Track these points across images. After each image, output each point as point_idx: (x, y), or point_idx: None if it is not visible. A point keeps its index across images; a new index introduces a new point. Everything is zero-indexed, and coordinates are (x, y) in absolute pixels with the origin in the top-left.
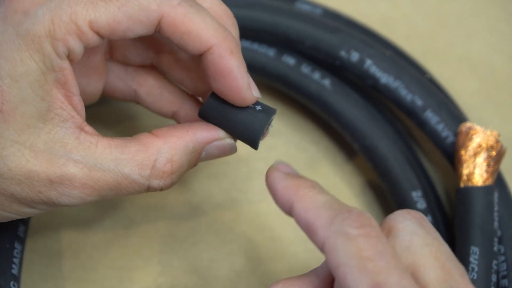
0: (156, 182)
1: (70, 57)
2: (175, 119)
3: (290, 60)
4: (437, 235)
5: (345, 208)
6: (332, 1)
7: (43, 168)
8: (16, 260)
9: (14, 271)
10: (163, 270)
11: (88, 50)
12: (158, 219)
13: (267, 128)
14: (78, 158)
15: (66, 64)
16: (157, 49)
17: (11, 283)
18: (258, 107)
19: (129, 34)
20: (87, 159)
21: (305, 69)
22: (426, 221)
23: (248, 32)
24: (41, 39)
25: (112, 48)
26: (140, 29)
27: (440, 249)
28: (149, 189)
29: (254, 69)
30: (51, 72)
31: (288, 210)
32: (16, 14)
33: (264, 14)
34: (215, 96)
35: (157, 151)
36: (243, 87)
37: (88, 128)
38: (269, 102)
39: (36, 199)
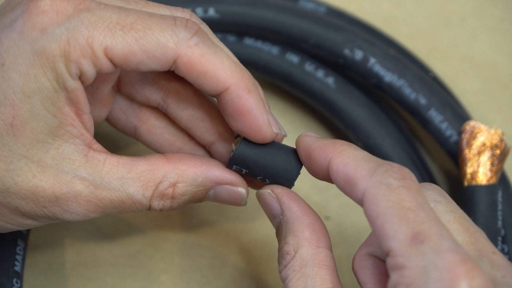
0: (156, 203)
1: (81, 78)
2: None
3: (293, 58)
4: (457, 205)
5: (385, 162)
6: None
7: (50, 184)
8: (18, 257)
9: (17, 268)
10: (165, 268)
11: (98, 78)
12: (161, 217)
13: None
14: (85, 175)
15: (78, 85)
16: (165, 92)
17: (14, 280)
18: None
19: (142, 67)
20: (94, 177)
21: (309, 67)
22: (446, 193)
23: (252, 30)
24: (56, 58)
25: (120, 82)
26: (154, 65)
27: (462, 215)
28: (149, 208)
29: (258, 67)
30: (63, 91)
31: (325, 169)
32: (33, 30)
33: (267, 12)
34: (245, 141)
35: (164, 175)
36: (263, 125)
37: (97, 146)
38: (272, 101)
39: (39, 214)
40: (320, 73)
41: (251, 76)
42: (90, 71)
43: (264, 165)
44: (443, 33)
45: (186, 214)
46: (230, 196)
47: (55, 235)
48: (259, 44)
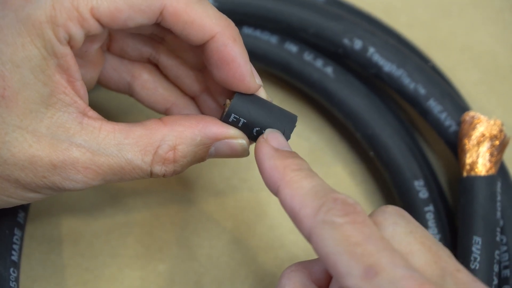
0: (158, 168)
1: (70, 43)
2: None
3: (292, 48)
4: (418, 223)
5: (330, 196)
6: None
7: (46, 152)
8: (15, 247)
9: (14, 258)
10: (163, 258)
11: (87, 40)
12: (159, 206)
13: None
14: (80, 142)
15: (67, 50)
16: (155, 46)
17: (11, 269)
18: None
19: (130, 23)
20: (90, 144)
21: (308, 56)
22: (406, 213)
23: (250, 19)
24: (42, 25)
25: (110, 40)
26: (141, 19)
27: (424, 235)
28: (152, 174)
29: (256, 56)
30: (52, 58)
31: (275, 192)
32: None
33: (267, 1)
34: (240, 93)
35: (161, 138)
36: (247, 75)
37: (92, 113)
38: (270, 90)
39: (40, 184)
40: (319, 63)
41: (236, 28)
42: (78, 34)
43: (262, 113)
44: (443, 23)
45: (184, 203)
46: (232, 149)
47: (52, 225)
48: (258, 33)
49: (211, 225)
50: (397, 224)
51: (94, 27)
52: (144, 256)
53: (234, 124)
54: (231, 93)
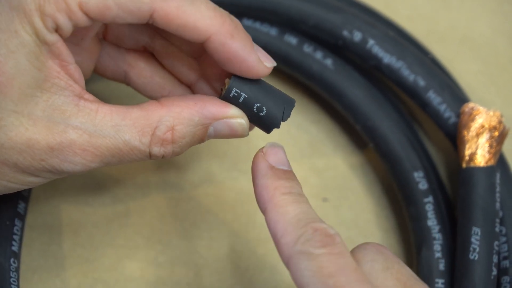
0: (156, 150)
1: (59, 32)
2: None
3: (292, 40)
4: (396, 259)
5: (311, 226)
6: None
7: (43, 135)
8: (16, 237)
9: (14, 248)
10: (163, 249)
11: (81, 29)
12: (159, 197)
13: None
14: (77, 124)
15: (56, 37)
16: (151, 35)
17: (11, 260)
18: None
19: (119, 20)
20: (87, 126)
21: (307, 48)
22: (386, 248)
23: (250, 11)
24: (32, 13)
25: (106, 28)
26: (130, 18)
27: (400, 271)
28: (151, 156)
29: None
30: (43, 45)
31: (262, 211)
32: None
33: None
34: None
35: (159, 119)
36: (254, 64)
37: (88, 95)
38: (270, 82)
39: (39, 167)
40: (318, 55)
41: (233, 19)
42: (66, 25)
43: (263, 90)
44: (442, 15)
45: (184, 195)
46: (231, 129)
47: (52, 216)
48: (257, 25)
49: (211, 217)
50: (374, 260)
51: (82, 20)
52: (144, 247)
53: (235, 100)
54: (229, 75)
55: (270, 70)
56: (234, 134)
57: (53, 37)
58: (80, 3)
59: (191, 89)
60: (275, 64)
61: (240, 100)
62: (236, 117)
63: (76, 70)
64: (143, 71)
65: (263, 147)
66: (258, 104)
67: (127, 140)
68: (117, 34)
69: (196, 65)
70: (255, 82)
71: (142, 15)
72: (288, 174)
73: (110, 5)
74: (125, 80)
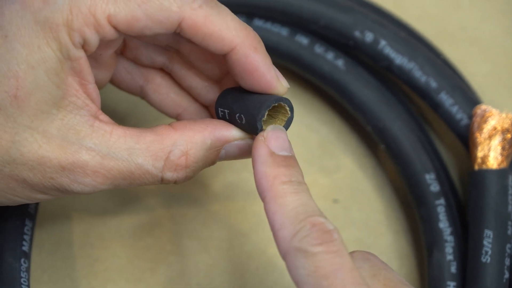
0: (169, 175)
1: (85, 47)
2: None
3: (303, 40)
4: (384, 265)
5: (309, 220)
6: None
7: (55, 154)
8: (26, 237)
9: (25, 248)
10: (173, 249)
11: (103, 44)
12: (169, 198)
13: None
14: (91, 145)
15: (81, 54)
16: (169, 56)
17: (22, 260)
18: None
19: (147, 32)
20: (100, 147)
21: (319, 49)
22: (373, 255)
23: (261, 11)
24: (59, 28)
25: (125, 46)
26: (159, 29)
27: (387, 277)
28: (162, 181)
29: (267, 48)
30: (67, 61)
31: (262, 200)
32: (35, 0)
33: None
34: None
35: (173, 143)
36: (273, 81)
37: (103, 116)
38: None
39: (48, 185)
40: (330, 55)
41: (256, 34)
42: (93, 39)
43: (239, 98)
44: (453, 16)
45: (194, 195)
46: (241, 150)
47: (62, 216)
48: (268, 25)
49: (221, 217)
50: (361, 268)
51: (110, 33)
52: (154, 248)
53: (224, 117)
54: None
55: (286, 90)
56: (244, 154)
57: (78, 53)
58: (109, 16)
59: (209, 109)
60: (288, 86)
61: (227, 117)
62: (245, 138)
63: (94, 90)
64: (159, 87)
65: (264, 131)
66: (238, 114)
67: (140, 163)
68: (135, 53)
69: (216, 88)
70: (236, 91)
71: (170, 24)
72: (289, 161)
73: (139, 16)
74: (140, 94)
